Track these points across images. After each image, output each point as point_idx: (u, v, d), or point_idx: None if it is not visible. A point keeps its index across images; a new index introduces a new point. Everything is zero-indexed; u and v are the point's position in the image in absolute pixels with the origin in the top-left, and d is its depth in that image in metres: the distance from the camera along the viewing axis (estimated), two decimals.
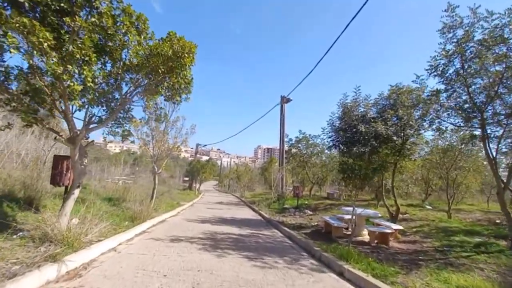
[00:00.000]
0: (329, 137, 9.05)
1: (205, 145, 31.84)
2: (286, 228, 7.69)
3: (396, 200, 8.29)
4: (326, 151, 17.24)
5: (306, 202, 14.15)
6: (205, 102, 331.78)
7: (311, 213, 12.05)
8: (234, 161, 47.65)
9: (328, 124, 9.11)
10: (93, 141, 5.20)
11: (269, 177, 34.08)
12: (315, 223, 9.28)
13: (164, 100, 5.32)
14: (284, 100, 15.87)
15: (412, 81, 6.77)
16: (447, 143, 11.36)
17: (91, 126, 4.38)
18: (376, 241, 6.14)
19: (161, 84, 4.55)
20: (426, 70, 5.95)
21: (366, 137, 7.31)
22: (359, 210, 6.88)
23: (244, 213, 12.20)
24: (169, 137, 8.62)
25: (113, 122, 4.86)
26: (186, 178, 30.47)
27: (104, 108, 4.53)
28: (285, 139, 16.35)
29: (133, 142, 7.45)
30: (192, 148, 36.29)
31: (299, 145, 17.41)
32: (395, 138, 7.38)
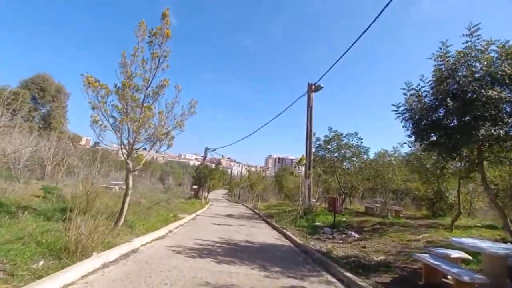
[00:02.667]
0: (408, 120, 5.67)
1: (215, 149, 28.84)
2: (347, 273, 4.26)
3: None
4: (363, 154, 13.75)
5: (344, 219, 10.62)
6: (216, 112, 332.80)
7: (357, 236, 8.53)
8: (245, 168, 44.45)
9: (406, 104, 5.79)
10: None
11: (286, 185, 30.53)
12: (381, 258, 5.81)
13: None
14: (312, 88, 12.63)
15: None
16: None
17: None
18: None
19: None
20: None
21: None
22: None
23: (263, 233, 8.81)
24: (155, 113, 5.48)
25: None
26: (195, 186, 27.45)
27: None
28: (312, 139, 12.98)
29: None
30: (200, 155, 33.40)
31: (328, 146, 13.98)
32: None
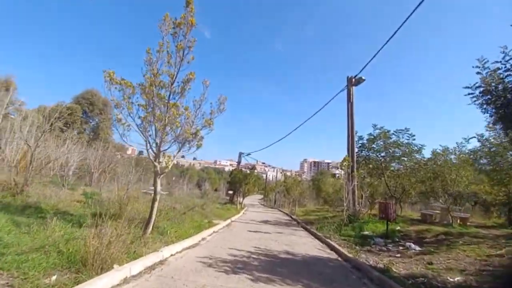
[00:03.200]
0: (489, 104, 4.43)
1: (249, 154, 28.48)
2: None
3: None
4: (415, 154, 12.03)
5: (398, 228, 9.18)
6: (250, 117, 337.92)
7: (418, 248, 7.16)
8: (281, 173, 43.41)
9: (483, 84, 4.57)
10: None
11: (325, 189, 28.85)
12: (459, 279, 4.57)
13: None
14: (352, 81, 11.42)
15: None
16: None
17: None
18: None
19: None
20: None
21: None
22: None
23: (304, 242, 7.89)
24: (182, 111, 5.05)
25: None
26: (231, 192, 27.36)
27: None
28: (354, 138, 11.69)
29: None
30: (235, 161, 33.31)
31: (373, 145, 12.54)
32: None
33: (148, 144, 5.00)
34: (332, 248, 7.04)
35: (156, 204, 5.27)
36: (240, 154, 29.78)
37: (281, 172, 45.85)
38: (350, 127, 11.30)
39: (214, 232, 8.30)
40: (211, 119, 5.58)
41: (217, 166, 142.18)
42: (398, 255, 6.65)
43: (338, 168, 37.00)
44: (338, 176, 12.10)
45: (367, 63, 10.49)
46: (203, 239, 6.82)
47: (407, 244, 7.57)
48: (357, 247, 7.37)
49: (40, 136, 7.45)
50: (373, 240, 8.19)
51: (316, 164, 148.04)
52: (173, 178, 26.42)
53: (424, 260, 6.17)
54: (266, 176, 66.27)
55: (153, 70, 4.89)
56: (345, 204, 10.18)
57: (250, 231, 9.37)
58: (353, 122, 11.29)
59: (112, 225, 3.87)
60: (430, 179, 12.84)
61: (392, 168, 12.90)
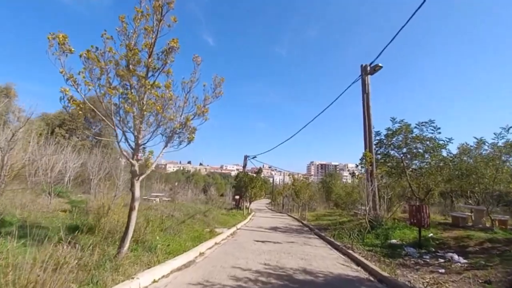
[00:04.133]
0: None
1: (254, 157, 27.29)
2: None
3: None
4: (440, 149, 10.67)
5: (431, 234, 7.83)
6: (255, 121, 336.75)
7: (463, 261, 5.85)
8: (288, 176, 42.01)
9: None
10: None
11: (336, 191, 27.36)
12: None
13: None
14: (368, 70, 10.20)
15: None
16: None
17: None
18: None
19: None
20: None
21: None
22: None
23: (322, 255, 6.63)
24: (163, 95, 3.97)
25: None
26: (237, 197, 26.18)
27: None
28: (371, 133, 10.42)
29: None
30: (241, 165, 31.75)
31: (393, 140, 11.24)
32: None
33: (120, 136, 3.91)
34: (359, 263, 5.77)
35: (134, 214, 4.14)
36: (246, 157, 28.62)
37: (288, 175, 44.45)
38: (367, 120, 10.05)
39: (215, 244, 7.12)
40: (205, 106, 4.47)
41: (223, 171, 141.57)
42: (442, 270, 5.36)
43: (347, 170, 35.37)
44: (358, 176, 10.73)
45: (384, 48, 9.26)
46: (200, 254, 5.65)
47: (448, 255, 6.25)
48: (387, 260, 6.10)
49: (11, 137, 6.45)
50: (403, 250, 6.89)
51: (323, 166, 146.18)
52: (176, 183, 25.37)
53: (477, 277, 4.89)
54: (273, 180, 64.95)
55: (129, 45, 3.81)
56: (366, 208, 8.88)
57: (257, 241, 8.16)
58: (370, 115, 10.05)
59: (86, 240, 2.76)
60: (459, 177, 11.45)
61: (414, 166, 11.54)
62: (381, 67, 9.82)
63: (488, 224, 9.66)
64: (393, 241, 7.65)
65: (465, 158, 11.27)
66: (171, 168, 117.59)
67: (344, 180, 40.51)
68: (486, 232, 8.01)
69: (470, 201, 12.12)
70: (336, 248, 7.68)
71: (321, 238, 9.83)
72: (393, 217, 10.31)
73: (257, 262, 5.22)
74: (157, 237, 6.15)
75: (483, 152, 10.10)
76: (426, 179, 10.98)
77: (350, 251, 6.83)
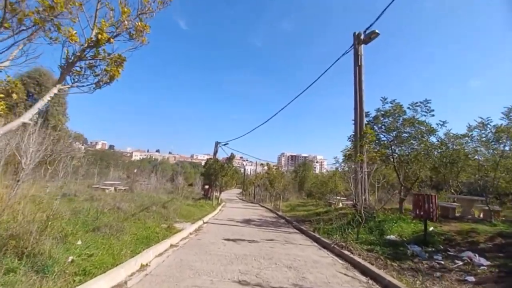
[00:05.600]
0: None
1: (226, 143, 25.20)
2: None
3: None
4: (429, 135, 9.74)
5: (432, 228, 6.72)
6: (230, 111, 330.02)
7: (486, 263, 4.68)
8: (261, 165, 40.73)
9: None
10: None
11: (310, 181, 26.58)
12: None
13: None
14: (361, 38, 8.76)
15: None
16: None
17: None
18: None
19: None
20: None
21: None
22: None
23: (313, 259, 5.09)
24: None
25: None
26: (207, 186, 24.12)
27: None
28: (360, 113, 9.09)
29: None
30: (212, 155, 28.93)
31: (384, 121, 10.06)
32: None
33: None
34: (365, 271, 4.30)
35: None
36: (217, 143, 26.45)
37: (261, 165, 43.20)
38: (358, 96, 8.67)
39: (171, 246, 5.21)
40: (140, 15, 2.48)
41: (194, 160, 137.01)
42: (471, 277, 4.09)
43: (316, 162, 34.99)
44: (353, 157, 9.24)
45: (382, 12, 7.83)
46: (141, 268, 3.73)
47: (465, 255, 5.08)
48: (393, 263, 4.75)
49: None
50: (407, 249, 5.63)
51: (293, 158, 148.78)
52: (135, 171, 22.51)
53: None
54: (244, 170, 63.62)
55: None
56: (362, 197, 7.54)
57: (228, 239, 6.40)
58: (361, 90, 8.68)
59: None
60: (445, 165, 10.76)
61: (400, 152, 10.55)
62: (378, 34, 8.41)
63: (477, 215, 9.05)
64: (392, 237, 6.41)
65: (450, 145, 10.56)
66: (137, 157, 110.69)
67: (316, 171, 40.49)
68: (487, 225, 7.14)
69: (452, 191, 11.59)
70: (326, 247, 6.22)
71: (302, 233, 8.40)
72: (384, 208, 9.22)
73: (227, 279, 3.46)
74: (79, 242, 4.11)
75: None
76: (414, 166, 10.05)
77: (346, 252, 5.39)
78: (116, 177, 21.27)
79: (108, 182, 16.98)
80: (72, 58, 2.30)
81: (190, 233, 6.95)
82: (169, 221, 7.94)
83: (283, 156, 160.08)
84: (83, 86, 2.52)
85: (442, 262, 4.91)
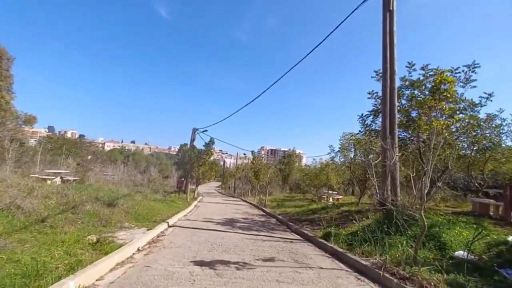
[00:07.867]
0: None
1: (205, 130, 22.17)
2: None
3: None
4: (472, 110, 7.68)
5: (511, 238, 4.53)
6: (211, 105, 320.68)
7: None
8: (244, 155, 38.09)
9: None
10: None
11: (298, 173, 24.35)
12: None
13: None
14: None
15: None
16: None
17: None
18: None
19: None
20: None
21: None
22: None
23: None
24: None
25: None
26: (182, 179, 21.11)
27: None
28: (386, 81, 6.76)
29: None
30: (187, 146, 25.42)
31: (416, 91, 7.81)
32: None
33: None
34: None
35: None
36: (194, 130, 23.30)
37: (242, 157, 40.58)
38: (388, 53, 6.28)
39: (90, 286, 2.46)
40: None
41: (170, 152, 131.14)
42: None
43: (295, 156, 33.34)
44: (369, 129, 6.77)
45: None
46: None
47: None
48: None
49: None
50: (496, 274, 3.35)
51: (273, 151, 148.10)
52: (89, 157, 18.88)
53: None
54: (224, 162, 60.67)
55: None
56: (389, 192, 5.14)
57: (202, 264, 3.75)
58: (393, 45, 6.29)
59: None
60: (475, 152, 8.86)
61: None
62: None
63: None
64: (460, 253, 4.10)
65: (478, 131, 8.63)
66: (109, 147, 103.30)
67: (297, 164, 38.63)
68: None
69: (477, 184, 9.77)
70: (365, 273, 3.77)
71: (311, 242, 5.93)
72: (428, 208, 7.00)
73: None
74: None
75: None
76: (444, 152, 7.95)
77: None
78: (70, 166, 17.61)
79: (53, 171, 13.46)
80: None
81: (138, 250, 4.19)
82: (111, 227, 5.11)
83: (263, 149, 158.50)
84: None
85: None
